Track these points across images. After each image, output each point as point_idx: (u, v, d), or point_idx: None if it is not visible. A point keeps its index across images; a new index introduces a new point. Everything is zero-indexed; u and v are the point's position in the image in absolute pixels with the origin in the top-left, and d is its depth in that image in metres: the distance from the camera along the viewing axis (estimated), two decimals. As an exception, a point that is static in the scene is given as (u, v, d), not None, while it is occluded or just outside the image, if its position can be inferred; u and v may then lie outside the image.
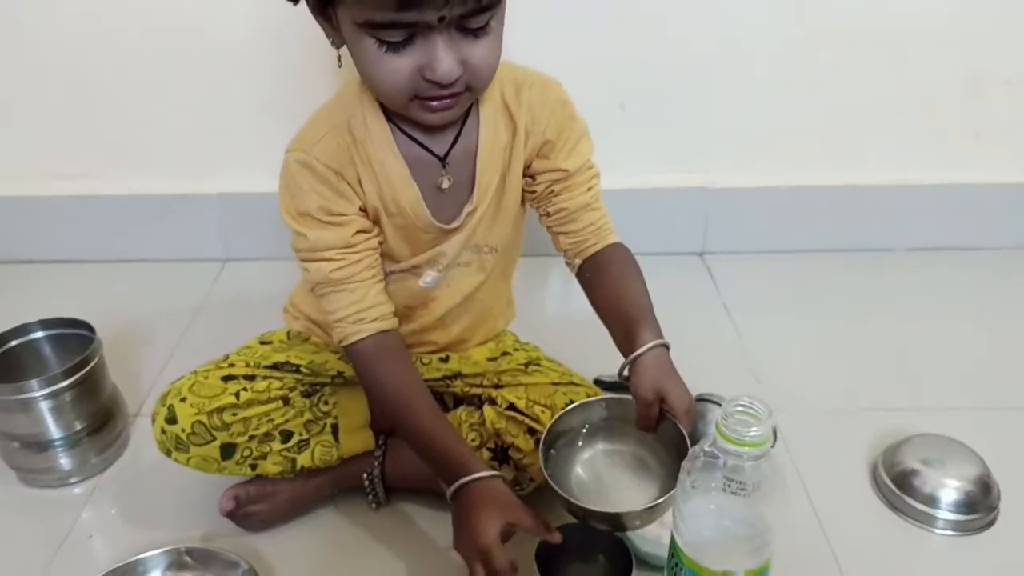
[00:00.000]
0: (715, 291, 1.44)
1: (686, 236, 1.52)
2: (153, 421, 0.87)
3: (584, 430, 0.85)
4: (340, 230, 0.84)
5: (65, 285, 1.44)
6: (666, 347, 0.82)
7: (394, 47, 0.72)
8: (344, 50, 0.78)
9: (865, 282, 1.45)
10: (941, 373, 1.22)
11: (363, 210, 0.86)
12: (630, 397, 0.82)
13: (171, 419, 0.85)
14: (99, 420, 1.03)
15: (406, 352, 0.90)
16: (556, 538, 0.76)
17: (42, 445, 1.00)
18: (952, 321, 1.34)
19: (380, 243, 0.88)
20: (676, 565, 0.74)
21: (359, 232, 0.85)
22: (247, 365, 0.91)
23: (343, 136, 0.83)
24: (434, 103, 0.76)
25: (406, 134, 0.84)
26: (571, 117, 0.90)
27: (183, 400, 0.86)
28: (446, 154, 0.86)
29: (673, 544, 0.74)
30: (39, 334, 1.08)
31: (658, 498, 0.76)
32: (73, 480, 1.03)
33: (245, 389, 0.88)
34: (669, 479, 0.78)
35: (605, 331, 0.88)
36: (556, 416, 0.83)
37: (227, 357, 0.93)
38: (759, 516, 0.68)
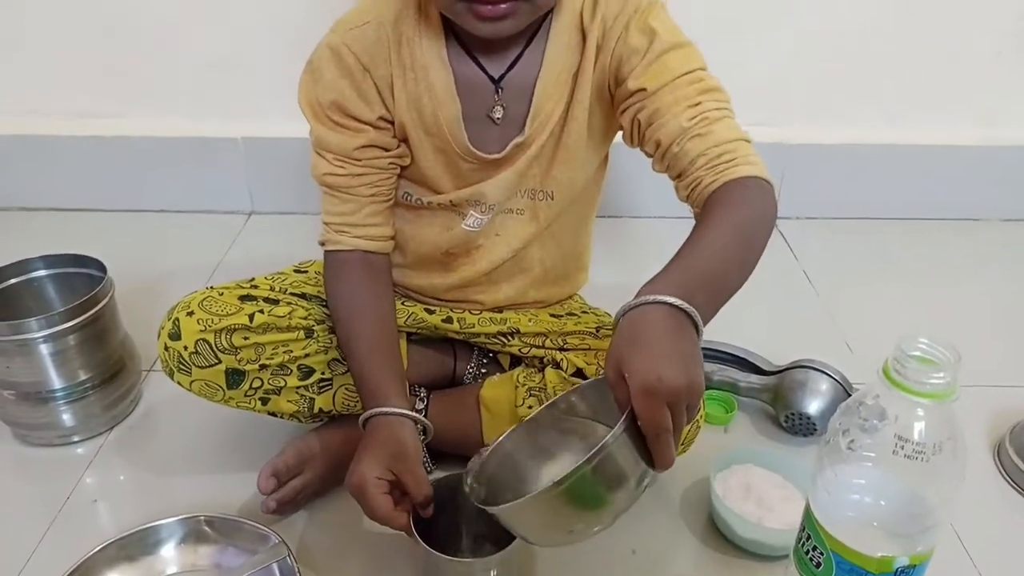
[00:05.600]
0: (792, 258, 1.31)
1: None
2: (158, 337, 0.78)
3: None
4: (346, 138, 0.77)
5: (77, 234, 1.32)
6: (669, 305, 0.56)
7: None
8: None
9: (958, 251, 1.33)
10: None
11: (388, 122, 0.78)
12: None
13: (175, 334, 0.76)
14: (108, 371, 0.92)
15: (383, 278, 0.82)
16: (425, 513, 0.69)
17: (42, 397, 0.89)
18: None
19: (400, 167, 0.80)
20: (813, 549, 0.60)
21: (368, 147, 0.77)
22: (272, 289, 0.82)
23: (386, 30, 0.75)
24: (484, 8, 0.66)
25: (462, 46, 0.75)
26: (647, 30, 0.71)
27: (190, 314, 0.77)
28: (501, 76, 0.75)
29: (810, 523, 0.60)
30: (42, 272, 0.96)
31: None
32: (76, 438, 0.92)
33: (262, 311, 0.78)
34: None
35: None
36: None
37: (252, 279, 0.84)
38: (934, 486, 0.54)
